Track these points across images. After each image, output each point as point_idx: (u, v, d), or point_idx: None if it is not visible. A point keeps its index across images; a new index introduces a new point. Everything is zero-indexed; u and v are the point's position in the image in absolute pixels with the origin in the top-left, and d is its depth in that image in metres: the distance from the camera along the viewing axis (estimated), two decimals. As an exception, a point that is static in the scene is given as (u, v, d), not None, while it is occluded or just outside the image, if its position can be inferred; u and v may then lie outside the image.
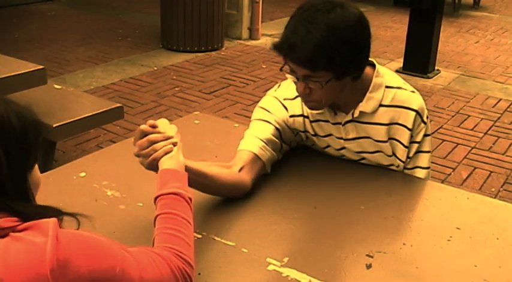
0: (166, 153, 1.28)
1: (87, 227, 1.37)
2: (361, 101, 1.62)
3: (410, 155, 1.69)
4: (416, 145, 1.68)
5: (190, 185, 1.39)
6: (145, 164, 1.30)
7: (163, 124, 1.33)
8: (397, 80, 1.68)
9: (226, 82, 5.25)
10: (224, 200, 1.56)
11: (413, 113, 1.63)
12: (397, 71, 5.63)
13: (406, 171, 1.73)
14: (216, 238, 1.40)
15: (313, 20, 1.42)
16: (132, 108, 4.49)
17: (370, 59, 1.66)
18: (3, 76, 2.78)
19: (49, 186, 1.63)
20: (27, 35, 6.49)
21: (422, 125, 1.66)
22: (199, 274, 1.26)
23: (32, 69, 2.89)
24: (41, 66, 2.92)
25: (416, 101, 1.65)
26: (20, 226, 0.95)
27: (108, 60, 5.72)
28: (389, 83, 1.64)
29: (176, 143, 1.31)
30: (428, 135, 1.69)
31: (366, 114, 1.64)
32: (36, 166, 1.06)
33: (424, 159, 1.71)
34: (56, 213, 1.01)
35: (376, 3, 9.37)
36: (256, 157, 1.62)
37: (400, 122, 1.64)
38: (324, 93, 1.52)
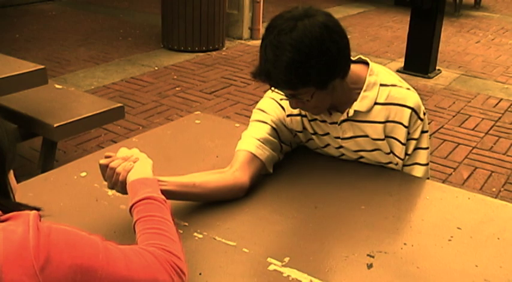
0: (128, 171, 1.31)
1: (87, 226, 1.37)
2: (356, 100, 1.63)
3: (409, 152, 1.69)
4: (414, 142, 1.68)
5: (184, 199, 1.46)
6: (119, 190, 1.35)
7: (122, 152, 1.36)
8: (391, 77, 1.68)
9: (227, 82, 5.25)
10: (225, 200, 1.56)
11: (409, 111, 1.63)
12: (398, 71, 5.63)
13: (405, 168, 1.73)
14: (216, 238, 1.40)
15: (279, 44, 1.42)
16: (133, 108, 4.49)
17: (363, 57, 1.67)
18: (4, 76, 2.78)
19: (50, 186, 1.63)
20: (27, 35, 6.49)
21: (419, 121, 1.66)
22: (200, 274, 1.26)
23: (32, 69, 2.89)
24: (42, 66, 2.92)
25: (412, 98, 1.65)
26: (1, 217, 0.97)
27: (108, 60, 5.72)
28: (383, 81, 1.64)
29: (137, 159, 1.34)
30: (426, 131, 1.70)
31: (361, 113, 1.64)
32: (12, 173, 1.07)
33: (422, 156, 1.71)
34: (36, 210, 1.03)
35: (377, 3, 9.37)
36: (253, 156, 1.63)
37: (396, 119, 1.64)
38: (316, 102, 1.55)
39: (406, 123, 1.64)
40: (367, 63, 1.66)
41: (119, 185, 1.33)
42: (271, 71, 1.45)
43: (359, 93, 1.62)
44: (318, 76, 1.46)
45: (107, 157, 1.36)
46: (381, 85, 1.64)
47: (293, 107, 1.61)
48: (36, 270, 0.90)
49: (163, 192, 1.30)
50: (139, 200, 1.23)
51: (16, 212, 0.98)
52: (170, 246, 1.13)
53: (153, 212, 1.20)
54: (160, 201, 1.24)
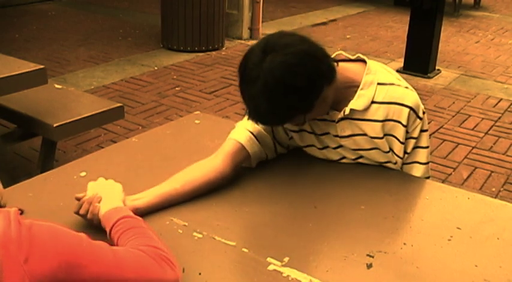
0: (96, 213, 1.36)
1: (86, 226, 1.38)
2: (353, 99, 1.63)
3: (408, 150, 1.69)
4: (413, 141, 1.68)
5: (169, 205, 1.51)
6: (95, 219, 1.38)
7: (90, 189, 1.41)
8: (390, 76, 1.68)
9: (226, 82, 5.25)
10: (224, 200, 1.57)
11: (407, 110, 1.63)
12: (397, 71, 5.58)
13: (404, 166, 1.73)
14: (216, 238, 1.40)
15: (252, 96, 1.47)
16: (132, 108, 4.49)
17: (361, 56, 1.67)
18: (4, 76, 2.78)
19: (49, 186, 1.63)
20: (27, 35, 6.49)
21: (418, 120, 1.66)
22: (199, 274, 1.26)
23: (32, 69, 2.88)
24: (42, 66, 2.92)
25: (410, 97, 1.65)
26: None
27: (108, 60, 5.72)
28: (381, 79, 1.65)
29: (99, 198, 1.38)
30: (426, 131, 1.69)
31: (358, 111, 1.64)
32: None
33: (422, 155, 1.71)
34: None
35: (376, 3, 9.37)
36: (242, 147, 1.67)
37: (394, 118, 1.64)
38: (312, 116, 1.59)
39: (404, 122, 1.64)
40: (364, 62, 1.66)
41: (89, 217, 1.38)
42: (258, 119, 1.54)
43: (356, 92, 1.63)
44: (300, 107, 1.48)
45: (77, 199, 1.40)
46: (379, 84, 1.64)
47: (294, 126, 1.70)
48: (20, 260, 0.92)
49: (145, 207, 1.44)
50: (114, 223, 1.27)
51: None
52: (154, 243, 1.18)
53: (129, 225, 1.26)
54: (132, 216, 1.30)
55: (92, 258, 1.01)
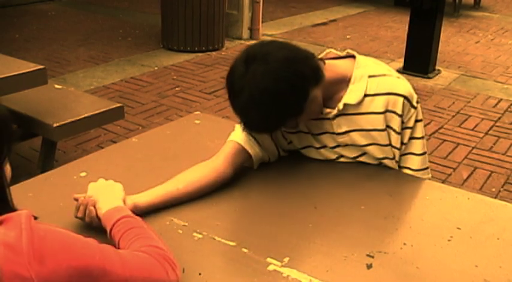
0: (92, 217, 1.37)
1: (86, 226, 1.38)
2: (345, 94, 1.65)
3: (405, 141, 1.70)
4: (409, 131, 1.68)
5: (169, 205, 1.52)
6: (94, 221, 1.39)
7: (91, 189, 1.42)
8: (380, 68, 1.69)
9: (226, 82, 5.24)
10: (224, 200, 1.57)
11: (401, 99, 1.63)
12: (398, 71, 5.60)
13: (400, 158, 1.73)
14: (216, 238, 1.40)
15: (242, 107, 1.48)
16: (132, 108, 4.49)
17: (351, 52, 1.68)
18: (4, 76, 2.78)
19: (49, 186, 1.63)
20: (27, 35, 6.49)
21: (413, 110, 1.66)
22: (199, 274, 1.26)
23: (32, 69, 2.88)
24: (42, 66, 2.92)
25: (402, 86, 1.65)
26: None
27: (108, 60, 5.72)
28: (372, 72, 1.65)
29: (93, 201, 1.38)
30: (420, 120, 1.69)
31: (351, 106, 1.65)
32: (8, 163, 1.07)
33: (417, 146, 1.71)
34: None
35: (376, 3, 9.37)
36: (241, 148, 1.67)
37: (389, 108, 1.65)
38: (305, 118, 1.60)
39: (399, 112, 1.64)
40: (354, 57, 1.68)
41: (88, 219, 1.39)
42: (252, 128, 1.58)
43: (348, 87, 1.64)
44: (290, 112, 1.50)
45: (75, 200, 1.41)
46: (370, 76, 1.65)
47: (290, 130, 1.71)
48: (31, 274, 0.90)
49: (146, 205, 1.45)
50: (114, 222, 1.28)
51: (6, 214, 0.96)
52: (156, 243, 1.19)
53: (130, 225, 1.26)
54: (132, 216, 1.30)
55: (102, 264, 1.00)
